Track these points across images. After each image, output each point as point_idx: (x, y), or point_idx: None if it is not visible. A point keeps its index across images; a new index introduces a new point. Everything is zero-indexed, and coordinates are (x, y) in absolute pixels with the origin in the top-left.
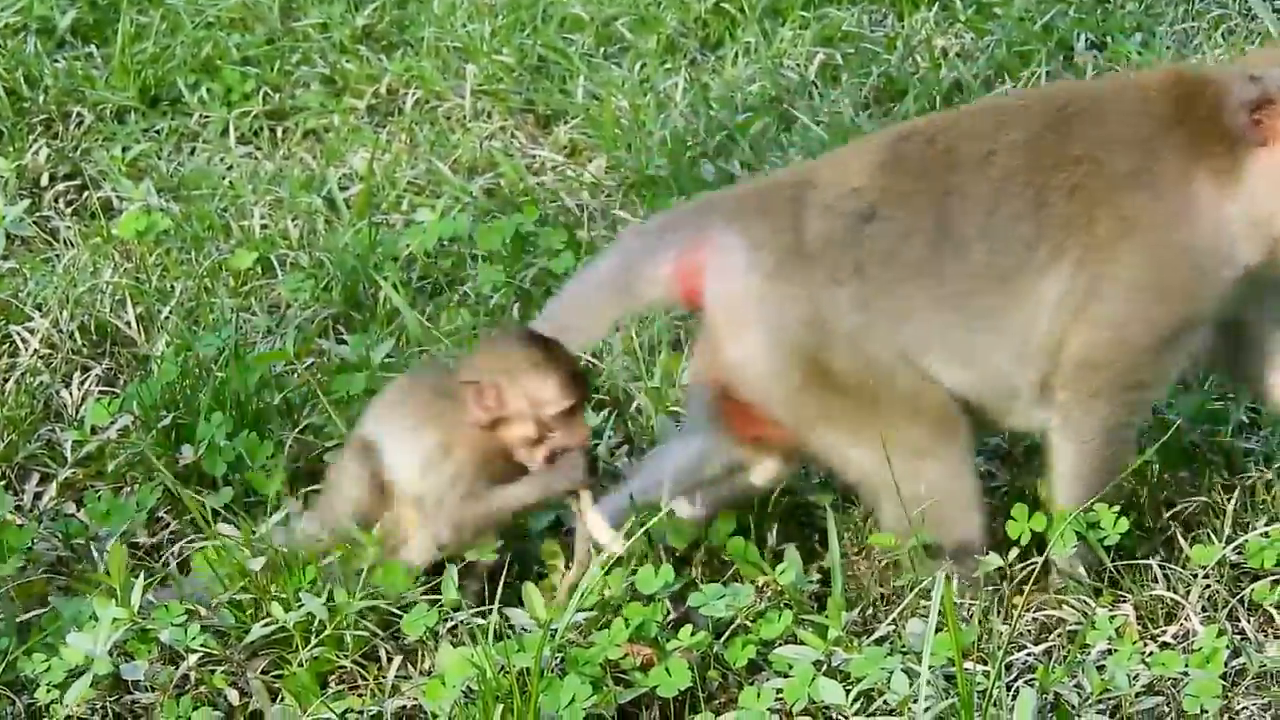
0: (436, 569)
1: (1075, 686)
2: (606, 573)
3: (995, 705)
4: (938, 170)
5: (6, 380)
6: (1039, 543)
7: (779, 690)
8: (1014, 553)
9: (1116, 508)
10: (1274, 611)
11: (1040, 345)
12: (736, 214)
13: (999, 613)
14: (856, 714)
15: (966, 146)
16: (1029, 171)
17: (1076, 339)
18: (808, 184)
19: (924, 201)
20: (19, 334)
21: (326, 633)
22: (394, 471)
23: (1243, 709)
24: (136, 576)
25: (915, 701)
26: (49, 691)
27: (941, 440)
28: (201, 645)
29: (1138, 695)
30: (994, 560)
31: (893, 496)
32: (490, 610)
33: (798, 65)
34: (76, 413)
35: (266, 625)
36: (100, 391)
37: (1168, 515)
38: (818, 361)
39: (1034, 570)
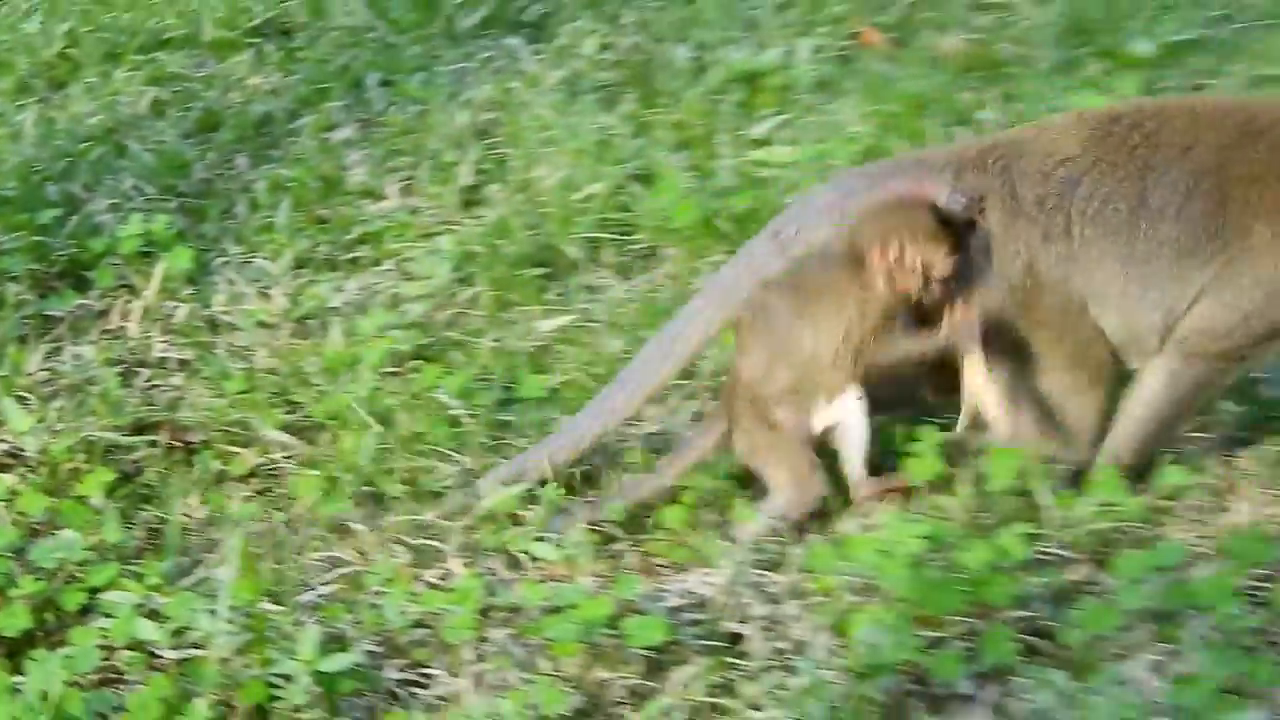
0: None
1: (355, 622)
2: None
3: (286, 639)
4: (1143, 150)
5: None
6: None
7: (105, 629)
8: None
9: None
10: (519, 555)
11: (1181, 311)
12: (956, 172)
13: (292, 558)
14: (171, 649)
15: (1169, 136)
16: (1217, 174)
17: (1205, 310)
18: (1016, 154)
19: (1129, 173)
20: None
21: None
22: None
23: (493, 638)
24: None
25: (218, 638)
26: None
27: (1095, 383)
28: None
29: (406, 629)
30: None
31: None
32: None
33: (131, 101)
34: None
35: None
36: None
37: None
38: (1024, 305)
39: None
